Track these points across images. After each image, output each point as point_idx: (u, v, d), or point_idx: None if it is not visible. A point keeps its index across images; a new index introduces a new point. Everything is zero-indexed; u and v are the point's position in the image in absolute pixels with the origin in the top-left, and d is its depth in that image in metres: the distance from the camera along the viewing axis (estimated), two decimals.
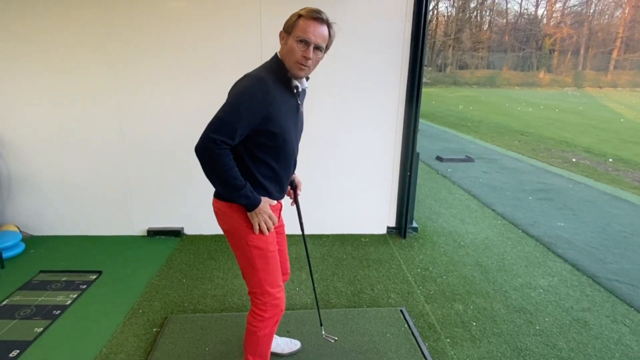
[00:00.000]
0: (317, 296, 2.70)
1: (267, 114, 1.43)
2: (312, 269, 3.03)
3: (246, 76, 1.47)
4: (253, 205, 1.50)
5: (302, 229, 1.91)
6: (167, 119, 3.34)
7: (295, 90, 1.55)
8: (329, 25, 1.48)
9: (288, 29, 1.47)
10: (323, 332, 2.17)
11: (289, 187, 1.82)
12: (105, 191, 3.48)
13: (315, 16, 1.44)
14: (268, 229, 1.57)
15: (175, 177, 3.47)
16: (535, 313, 2.59)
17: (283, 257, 1.86)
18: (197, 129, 3.53)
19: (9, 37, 3.12)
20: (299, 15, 1.45)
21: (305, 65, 1.47)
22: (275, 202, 1.64)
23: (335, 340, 2.23)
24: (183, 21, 3.15)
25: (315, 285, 2.19)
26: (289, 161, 1.62)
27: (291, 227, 2.03)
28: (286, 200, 1.84)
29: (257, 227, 1.55)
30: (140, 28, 3.14)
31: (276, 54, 1.55)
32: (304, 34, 1.43)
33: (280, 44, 1.52)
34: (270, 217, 1.55)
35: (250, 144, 1.49)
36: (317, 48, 1.46)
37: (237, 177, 1.45)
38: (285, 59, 1.49)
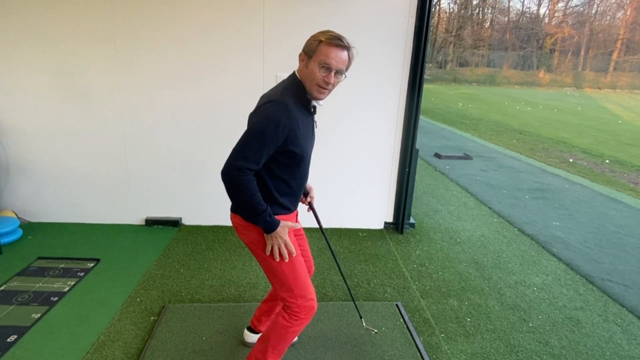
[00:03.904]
0: (315, 289, 2.72)
1: (290, 136, 1.47)
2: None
3: (269, 101, 1.47)
4: (270, 229, 1.53)
5: (324, 234, 1.97)
6: (167, 109, 3.33)
7: (312, 110, 1.60)
8: (348, 49, 1.50)
9: (310, 53, 1.48)
10: (364, 323, 2.22)
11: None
12: (103, 179, 3.47)
13: (338, 43, 1.46)
14: (282, 256, 1.58)
15: (174, 167, 3.47)
16: (529, 310, 2.62)
17: (306, 255, 1.88)
18: (196, 120, 3.56)
19: (10, 24, 3.09)
20: (320, 41, 1.46)
21: (325, 89, 1.51)
22: (298, 224, 1.69)
23: (376, 332, 2.27)
24: (186, 13, 3.12)
25: (346, 280, 2.20)
26: (305, 177, 1.67)
27: (306, 222, 2.05)
28: (302, 207, 1.89)
29: (270, 249, 1.58)
30: (143, 18, 3.12)
31: (294, 73, 1.57)
32: (326, 60, 1.45)
33: (300, 65, 1.54)
34: (286, 245, 1.57)
35: (270, 162, 1.52)
36: (338, 72, 1.50)
37: (260, 202, 1.48)
38: (306, 81, 1.51)
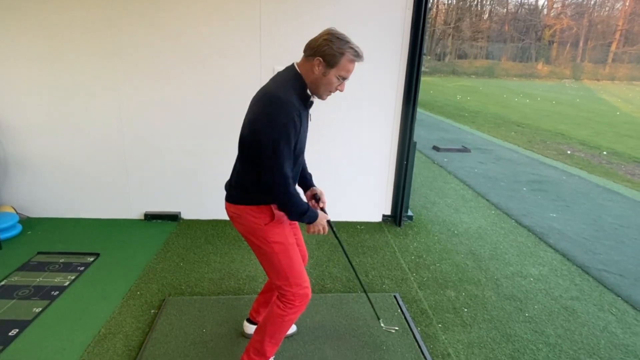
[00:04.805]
0: (314, 281, 2.75)
1: (298, 133, 1.53)
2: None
3: (276, 102, 1.47)
4: (314, 219, 1.67)
5: (339, 239, 2.06)
6: (165, 103, 3.33)
7: (310, 104, 1.63)
8: None
9: (331, 64, 1.50)
10: (382, 324, 2.25)
11: (312, 200, 1.91)
12: (102, 174, 3.48)
13: (359, 60, 1.54)
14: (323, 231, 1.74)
15: (173, 162, 3.47)
16: (525, 301, 2.65)
17: (300, 244, 1.92)
18: (194, 114, 3.55)
19: (7, 20, 3.08)
20: (342, 54, 1.49)
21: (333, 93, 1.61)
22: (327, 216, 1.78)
23: (397, 329, 2.27)
24: (183, 7, 3.11)
25: (357, 274, 2.21)
26: (300, 165, 1.72)
27: None
28: None
29: (312, 231, 1.73)
30: (140, 12, 3.11)
31: (294, 67, 1.57)
32: (347, 74, 1.54)
33: (313, 68, 1.52)
34: (324, 228, 1.74)
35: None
36: None
37: (303, 202, 1.60)
38: (319, 86, 1.56)
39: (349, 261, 2.13)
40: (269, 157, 1.47)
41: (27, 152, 3.40)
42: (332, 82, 1.53)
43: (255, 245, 1.68)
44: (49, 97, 3.28)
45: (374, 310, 2.25)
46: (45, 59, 3.18)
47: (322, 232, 1.74)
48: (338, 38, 1.49)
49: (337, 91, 1.60)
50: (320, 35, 1.51)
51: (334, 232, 1.98)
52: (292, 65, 1.58)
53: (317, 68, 1.52)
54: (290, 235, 1.71)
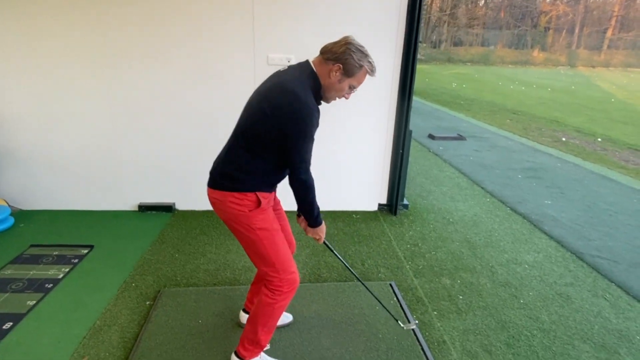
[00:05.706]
0: (310, 270, 2.75)
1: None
2: (301, 244, 3.07)
3: (300, 100, 1.48)
4: (318, 224, 1.73)
5: (334, 252, 2.01)
6: (159, 92, 3.28)
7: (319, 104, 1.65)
8: None
9: (349, 73, 1.55)
10: (401, 324, 2.09)
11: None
12: (95, 165, 3.44)
13: (372, 76, 1.62)
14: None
15: (166, 152, 3.44)
16: (520, 287, 2.67)
17: (286, 231, 1.90)
18: (188, 102, 3.49)
19: None
20: (362, 66, 1.55)
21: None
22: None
23: (417, 323, 2.22)
24: None
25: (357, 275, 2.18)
26: None
27: (289, 205, 2.04)
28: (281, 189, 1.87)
29: (310, 235, 1.79)
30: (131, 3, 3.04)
31: (311, 66, 1.57)
32: (358, 85, 1.61)
33: (330, 73, 1.55)
34: (320, 238, 1.80)
35: (272, 152, 1.56)
36: None
37: (317, 204, 1.66)
38: (331, 90, 1.60)
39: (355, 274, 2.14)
40: (295, 155, 1.52)
41: (18, 144, 3.35)
42: (344, 89, 1.59)
43: (239, 232, 1.66)
44: (39, 88, 3.21)
45: (390, 313, 2.13)
46: (35, 50, 3.11)
47: (319, 241, 1.81)
48: (359, 49, 1.53)
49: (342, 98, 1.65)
50: (341, 43, 1.54)
51: (329, 247, 1.96)
52: (307, 62, 1.59)
53: (334, 74, 1.55)
54: (274, 221, 1.70)
